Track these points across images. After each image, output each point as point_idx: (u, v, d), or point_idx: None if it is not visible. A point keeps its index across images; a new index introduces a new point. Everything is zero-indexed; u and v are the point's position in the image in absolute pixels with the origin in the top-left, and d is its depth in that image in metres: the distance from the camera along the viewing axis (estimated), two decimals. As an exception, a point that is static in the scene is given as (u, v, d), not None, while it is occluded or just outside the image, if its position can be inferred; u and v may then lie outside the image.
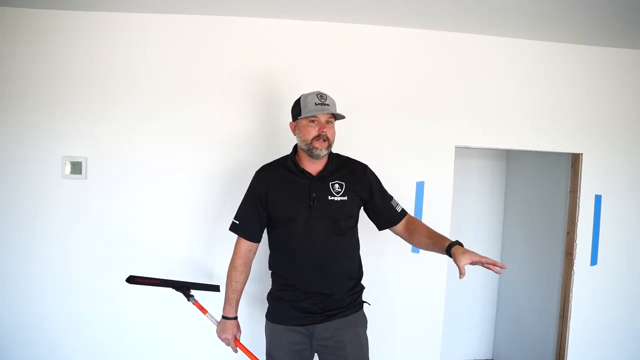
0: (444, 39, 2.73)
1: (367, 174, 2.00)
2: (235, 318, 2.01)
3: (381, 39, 2.69)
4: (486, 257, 1.68)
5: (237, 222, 1.99)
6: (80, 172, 2.55)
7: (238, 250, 1.99)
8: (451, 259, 1.75)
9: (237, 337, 2.01)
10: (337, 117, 1.90)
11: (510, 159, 3.87)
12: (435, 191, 2.74)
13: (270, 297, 2.03)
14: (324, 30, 2.65)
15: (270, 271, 2.03)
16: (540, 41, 2.81)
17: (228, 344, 2.00)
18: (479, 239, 3.92)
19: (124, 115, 2.57)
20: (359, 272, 2.03)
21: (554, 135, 2.85)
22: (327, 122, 1.86)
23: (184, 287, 2.08)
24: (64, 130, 2.55)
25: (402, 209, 2.03)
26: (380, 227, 2.04)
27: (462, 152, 3.66)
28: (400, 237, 2.04)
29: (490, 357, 3.97)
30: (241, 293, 2.01)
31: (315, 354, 1.98)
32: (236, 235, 2.00)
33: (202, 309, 2.07)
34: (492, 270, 1.69)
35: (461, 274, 1.65)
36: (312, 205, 1.86)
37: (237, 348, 2.01)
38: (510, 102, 2.80)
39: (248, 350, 2.02)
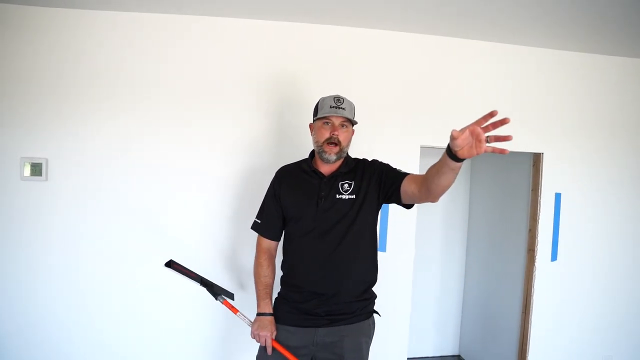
0: (407, 40, 2.77)
1: (375, 164, 1.97)
2: (272, 314, 1.94)
3: (344, 40, 2.71)
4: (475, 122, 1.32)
5: (259, 221, 2.03)
6: (40, 174, 2.48)
7: (260, 247, 2.03)
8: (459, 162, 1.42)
9: (273, 336, 1.91)
10: (352, 121, 1.91)
11: (474, 158, 3.93)
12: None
13: (276, 298, 2.03)
14: (331, 34, 2.70)
15: (281, 278, 2.03)
16: (503, 44, 2.88)
17: (264, 343, 1.89)
18: (445, 236, 4.01)
19: (101, 116, 2.54)
20: (370, 278, 1.97)
21: (516, 135, 2.87)
22: (341, 125, 1.87)
23: (211, 286, 2.04)
24: (23, 131, 2.49)
25: (405, 172, 1.86)
26: (399, 193, 1.80)
27: (430, 151, 3.73)
28: (423, 196, 1.69)
29: (457, 353, 4.05)
30: (272, 288, 1.99)
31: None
32: (256, 236, 2.05)
33: (233, 308, 2.00)
34: (498, 150, 1.31)
35: (455, 139, 1.31)
36: (320, 204, 1.87)
37: (272, 347, 1.89)
38: (474, 103, 2.86)
39: (286, 350, 1.87)
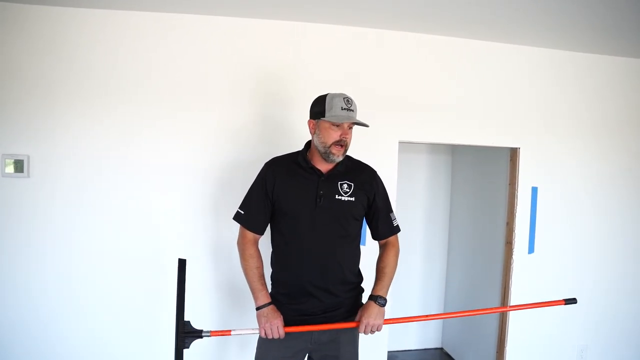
0: (386, 36, 2.81)
1: (376, 178, 1.99)
2: (272, 302, 1.86)
3: (328, 38, 2.75)
4: (369, 331, 1.85)
5: (242, 212, 1.95)
6: (22, 171, 2.49)
7: (245, 239, 1.94)
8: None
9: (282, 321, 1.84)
10: (357, 123, 1.86)
11: (456, 154, 4.02)
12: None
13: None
14: (316, 31, 2.73)
15: (271, 276, 2.00)
16: (481, 41, 2.93)
17: (278, 331, 1.80)
18: (427, 230, 4.08)
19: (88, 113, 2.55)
20: (358, 277, 2.03)
21: (494, 131, 3.00)
22: (349, 127, 1.86)
23: (190, 334, 1.78)
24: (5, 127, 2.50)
25: (397, 226, 2.03)
26: (376, 237, 2.03)
27: (414, 147, 3.80)
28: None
29: (439, 346, 4.12)
30: (264, 277, 1.92)
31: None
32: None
33: (224, 333, 1.85)
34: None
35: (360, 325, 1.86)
36: (318, 203, 1.85)
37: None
38: (452, 100, 2.92)
39: (299, 327, 1.84)
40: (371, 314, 1.84)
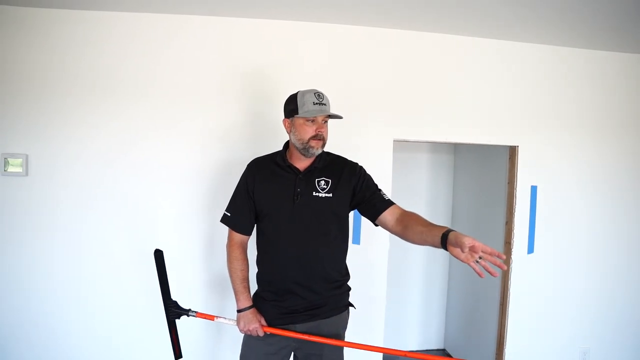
0: (379, 35, 2.80)
1: (357, 171, 1.95)
2: (253, 306, 1.93)
3: (318, 36, 2.75)
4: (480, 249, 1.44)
5: (229, 214, 1.98)
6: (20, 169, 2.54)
7: (232, 241, 1.98)
8: (446, 253, 1.56)
9: (263, 322, 1.92)
10: (332, 116, 1.86)
11: (457, 152, 3.98)
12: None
13: (254, 297, 2.00)
14: (306, 29, 2.74)
15: (257, 275, 2.01)
16: (478, 38, 2.90)
17: (257, 334, 1.89)
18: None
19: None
20: (343, 275, 2.00)
21: (491, 129, 2.95)
22: (324, 121, 1.86)
23: (178, 310, 1.96)
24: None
25: (389, 199, 1.90)
26: (375, 219, 1.89)
27: (415, 146, 3.77)
28: (395, 233, 1.83)
29: (441, 347, 4.07)
30: (248, 280, 1.97)
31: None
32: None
33: (208, 317, 1.98)
34: (489, 270, 1.43)
35: (464, 246, 1.44)
36: (296, 200, 1.86)
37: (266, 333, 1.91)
38: (448, 97, 2.88)
39: (280, 330, 1.89)
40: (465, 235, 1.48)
